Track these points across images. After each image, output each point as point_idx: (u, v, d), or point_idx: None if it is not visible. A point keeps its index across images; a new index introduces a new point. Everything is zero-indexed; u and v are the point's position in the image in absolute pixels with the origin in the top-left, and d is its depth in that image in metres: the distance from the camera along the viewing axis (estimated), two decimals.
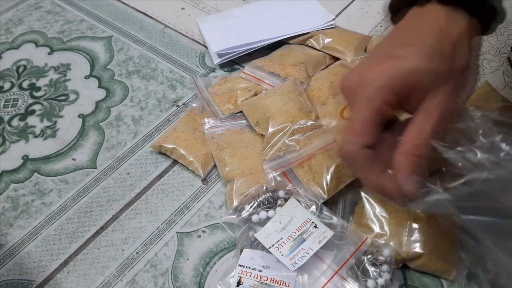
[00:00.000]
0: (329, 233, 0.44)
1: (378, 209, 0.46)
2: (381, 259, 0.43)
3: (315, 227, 0.45)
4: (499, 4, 0.35)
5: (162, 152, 0.56)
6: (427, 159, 0.33)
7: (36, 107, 0.63)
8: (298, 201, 0.47)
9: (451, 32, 0.34)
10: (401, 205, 0.36)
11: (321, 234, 0.44)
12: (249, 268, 0.44)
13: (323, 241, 0.44)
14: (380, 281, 0.42)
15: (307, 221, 0.45)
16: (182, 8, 0.76)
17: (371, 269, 0.43)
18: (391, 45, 0.35)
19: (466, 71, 0.35)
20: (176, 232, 0.49)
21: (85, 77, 0.66)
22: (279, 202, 0.47)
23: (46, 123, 0.61)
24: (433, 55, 0.33)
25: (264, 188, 0.49)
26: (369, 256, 0.44)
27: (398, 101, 0.34)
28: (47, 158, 0.57)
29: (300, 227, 0.45)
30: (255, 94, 0.59)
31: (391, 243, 0.44)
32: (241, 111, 0.57)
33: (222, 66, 0.66)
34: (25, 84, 0.66)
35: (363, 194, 0.48)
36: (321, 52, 0.64)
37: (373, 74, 0.34)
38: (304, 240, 0.44)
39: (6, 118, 0.62)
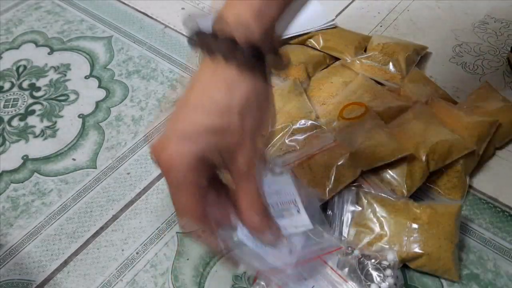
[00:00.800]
0: (308, 225, 0.43)
1: (378, 209, 0.46)
2: (384, 263, 0.43)
3: (298, 211, 0.44)
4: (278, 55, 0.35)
5: None
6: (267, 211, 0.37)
7: (36, 107, 0.63)
8: (293, 180, 0.46)
9: (234, 100, 0.33)
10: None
11: (300, 221, 0.43)
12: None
13: (300, 229, 0.43)
14: (384, 285, 0.42)
15: (291, 202, 0.44)
16: (182, 8, 0.76)
17: (374, 273, 0.43)
18: (183, 116, 0.34)
19: (258, 129, 0.35)
20: (176, 232, 0.49)
21: (85, 77, 0.66)
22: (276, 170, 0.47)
23: (46, 123, 0.61)
24: (218, 130, 0.33)
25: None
26: (372, 261, 0.43)
27: (211, 167, 0.35)
28: (47, 158, 0.57)
29: (283, 202, 0.44)
30: None
31: (391, 244, 0.44)
32: None
33: None
34: (25, 84, 0.66)
35: (362, 194, 0.48)
36: (321, 52, 0.64)
37: (172, 155, 0.33)
38: (282, 217, 0.43)
39: (6, 118, 0.62)
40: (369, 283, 0.42)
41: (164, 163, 0.34)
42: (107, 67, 0.67)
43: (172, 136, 0.34)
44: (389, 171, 0.49)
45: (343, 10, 0.73)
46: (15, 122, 0.61)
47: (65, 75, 0.67)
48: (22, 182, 0.55)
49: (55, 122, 0.61)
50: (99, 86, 0.65)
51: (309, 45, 0.65)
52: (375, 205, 0.47)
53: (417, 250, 0.44)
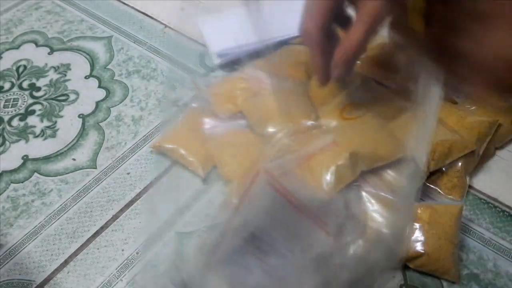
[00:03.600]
0: None
1: (378, 209, 0.46)
2: None
3: None
4: None
5: (162, 152, 0.56)
6: (355, 59, 0.44)
7: (36, 107, 0.63)
8: None
9: None
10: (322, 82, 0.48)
11: None
12: None
13: None
14: None
15: None
16: (182, 8, 0.76)
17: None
18: None
19: None
20: (176, 232, 0.49)
21: (85, 77, 0.66)
22: None
23: (46, 123, 0.61)
24: None
25: None
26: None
27: None
28: (47, 158, 0.57)
29: None
30: (255, 95, 0.59)
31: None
32: (241, 111, 0.57)
33: (222, 66, 0.66)
34: (25, 84, 0.66)
35: (363, 194, 0.48)
36: None
37: None
38: None
39: (6, 118, 0.62)
40: None
41: None
42: (107, 67, 0.67)
43: None
44: (389, 171, 0.49)
45: None
46: (15, 122, 0.61)
47: (65, 75, 0.67)
48: (22, 182, 0.55)
49: (55, 122, 0.61)
50: (99, 86, 0.65)
51: None
52: (375, 204, 0.47)
53: (417, 249, 0.44)
